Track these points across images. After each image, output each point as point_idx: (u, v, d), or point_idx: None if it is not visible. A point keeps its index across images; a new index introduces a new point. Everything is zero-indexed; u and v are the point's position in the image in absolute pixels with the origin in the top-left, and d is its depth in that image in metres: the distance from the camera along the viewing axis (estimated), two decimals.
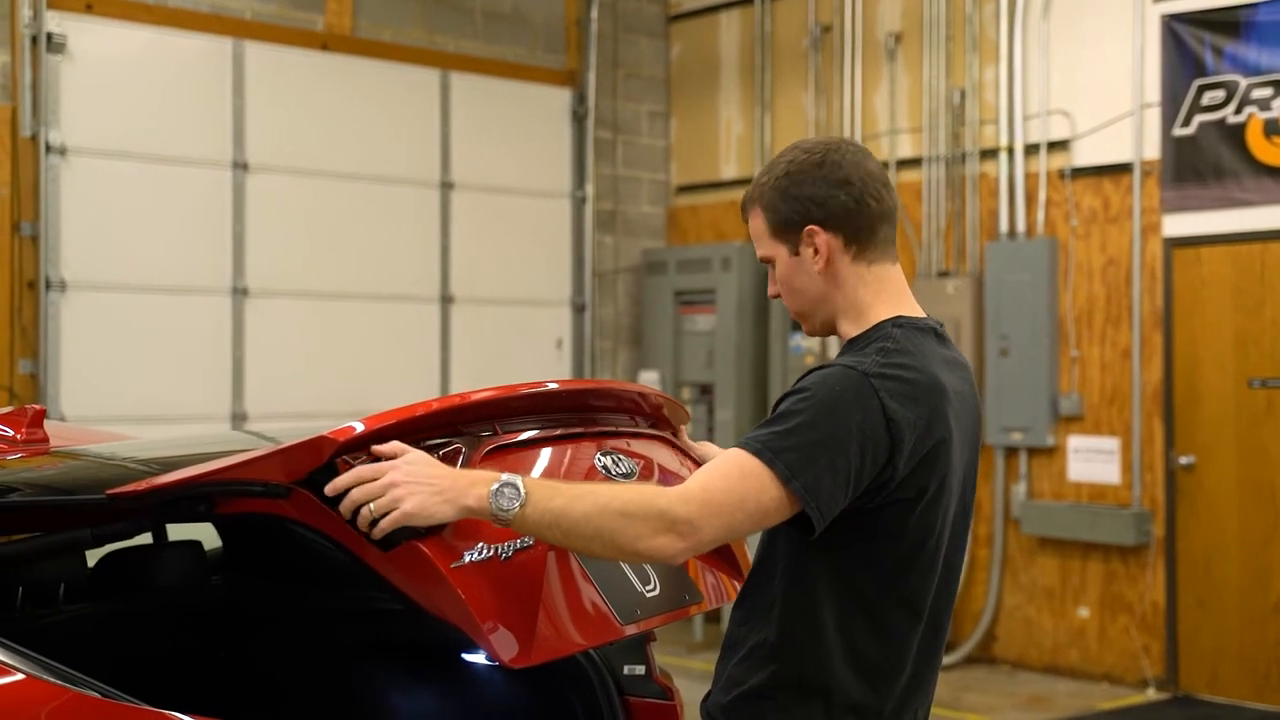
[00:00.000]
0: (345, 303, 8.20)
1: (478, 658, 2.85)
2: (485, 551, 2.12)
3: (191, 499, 2.22)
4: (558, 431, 2.43)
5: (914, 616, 2.22)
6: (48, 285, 7.17)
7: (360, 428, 2.12)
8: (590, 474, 2.37)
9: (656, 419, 2.70)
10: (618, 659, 2.75)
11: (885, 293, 2.27)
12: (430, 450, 2.18)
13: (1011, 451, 7.89)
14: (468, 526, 2.13)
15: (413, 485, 2.03)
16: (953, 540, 2.27)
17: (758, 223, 2.28)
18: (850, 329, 2.27)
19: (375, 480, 2.04)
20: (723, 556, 2.68)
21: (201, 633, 3.20)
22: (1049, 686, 7.49)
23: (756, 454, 2.06)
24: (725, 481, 2.05)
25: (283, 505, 2.15)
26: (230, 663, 3.18)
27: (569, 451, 2.39)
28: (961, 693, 7.29)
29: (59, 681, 2.02)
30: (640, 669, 2.76)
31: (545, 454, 2.36)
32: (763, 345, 8.92)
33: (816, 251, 2.23)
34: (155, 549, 3.11)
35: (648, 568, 2.42)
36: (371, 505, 2.03)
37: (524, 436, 2.36)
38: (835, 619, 2.17)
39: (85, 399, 7.23)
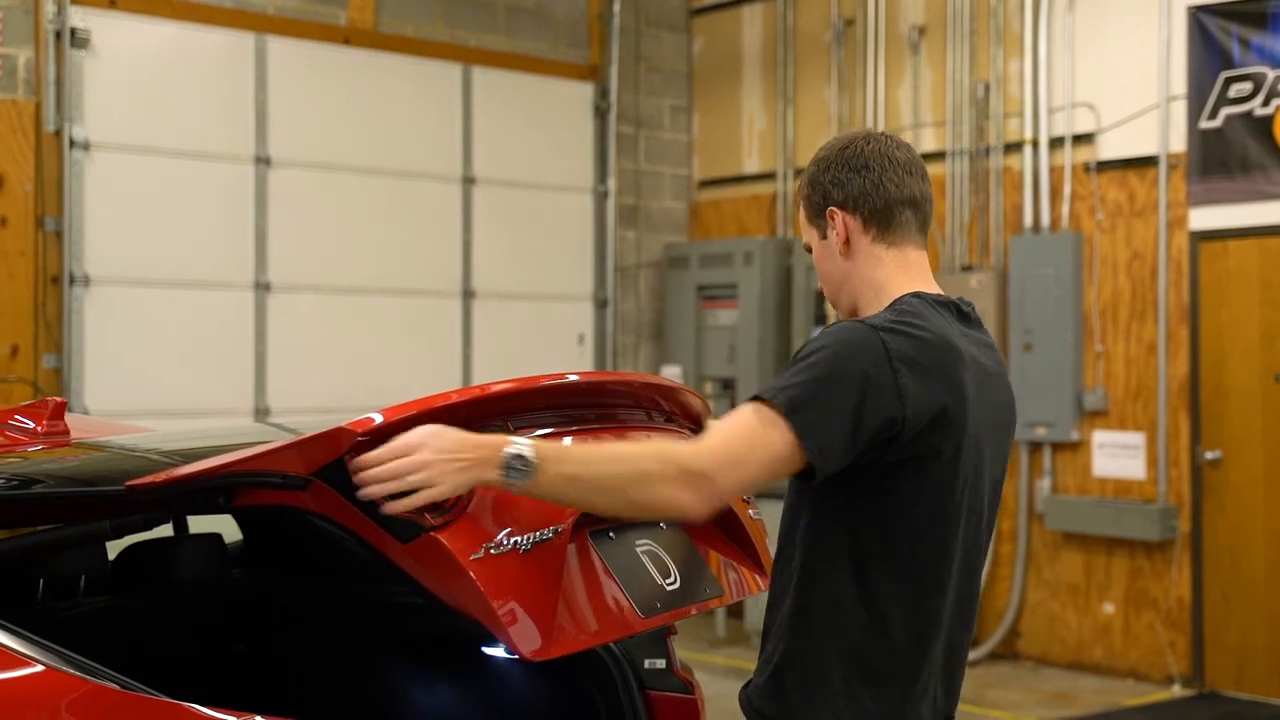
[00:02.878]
0: (367, 297, 8.21)
1: (497, 651, 2.85)
2: (505, 544, 2.11)
3: (211, 491, 2.22)
4: (579, 424, 2.42)
5: (936, 587, 2.21)
6: (71, 280, 7.20)
7: (379, 419, 2.11)
8: None
9: (676, 412, 2.68)
10: (638, 652, 2.74)
11: (903, 273, 2.31)
12: None
13: (1035, 446, 7.85)
14: (487, 519, 2.12)
15: (444, 463, 2.04)
16: (977, 516, 2.27)
17: (800, 213, 2.40)
18: (873, 308, 2.30)
19: (408, 457, 2.05)
20: (744, 550, 2.67)
21: (221, 625, 3.20)
22: (1073, 683, 7.45)
23: (763, 401, 2.11)
24: (734, 431, 2.10)
25: (302, 497, 2.15)
26: (249, 655, 3.18)
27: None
28: (985, 689, 7.26)
29: (79, 673, 2.02)
30: (661, 663, 2.75)
31: (566, 444, 2.35)
32: (785, 340, 8.90)
33: (838, 232, 2.32)
34: (175, 541, 3.12)
35: (668, 561, 2.41)
36: (410, 478, 2.04)
37: (545, 428, 2.35)
38: (854, 586, 2.17)
39: (109, 393, 7.26)
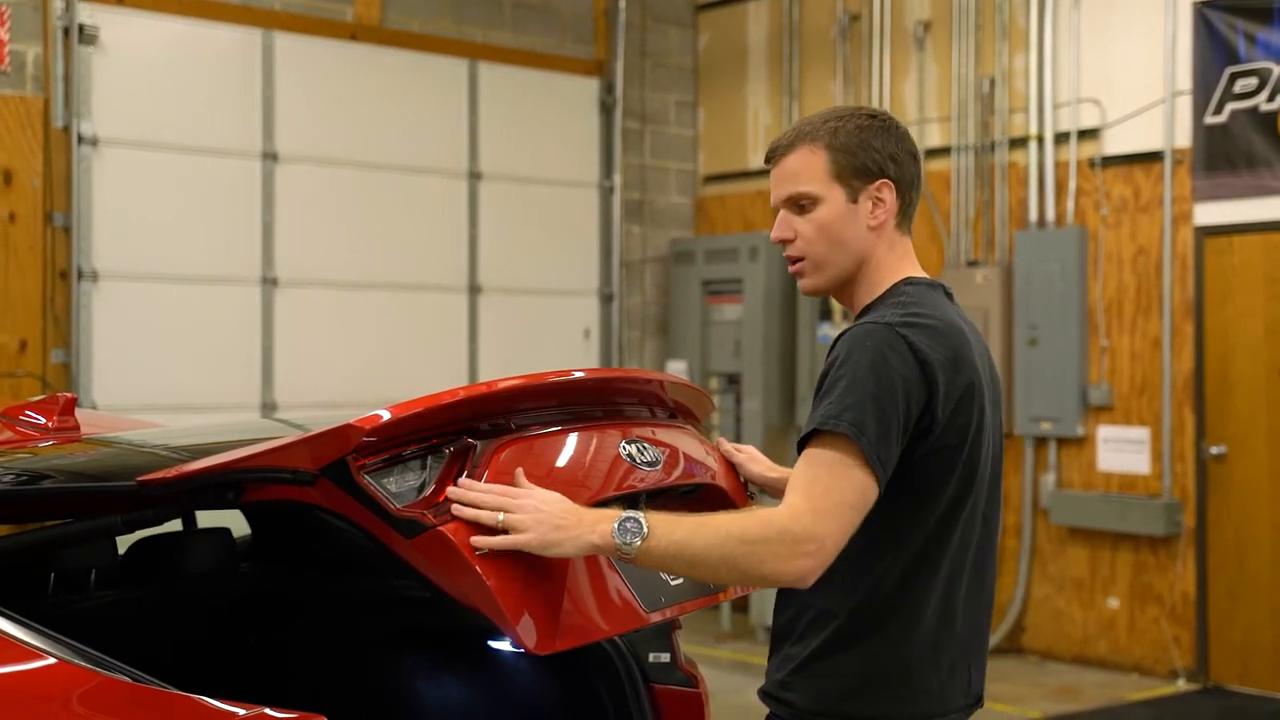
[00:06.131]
0: (374, 293, 8.23)
1: (504, 645, 2.87)
2: None
3: (220, 486, 2.24)
4: (585, 421, 2.44)
5: (966, 567, 2.26)
6: (80, 275, 7.22)
7: (387, 415, 2.13)
8: (616, 462, 2.38)
9: (680, 409, 2.70)
10: (643, 646, 2.76)
11: (906, 259, 2.33)
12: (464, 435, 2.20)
13: (1041, 441, 7.86)
14: None
15: (540, 516, 2.08)
16: (991, 490, 2.31)
17: (814, 159, 2.27)
18: (866, 290, 2.31)
19: (512, 500, 2.09)
20: None
21: (230, 619, 3.23)
22: (1078, 677, 7.47)
23: (826, 437, 2.09)
24: (819, 485, 2.08)
25: (310, 492, 2.16)
26: (258, 649, 3.21)
27: (595, 439, 2.40)
28: (990, 683, 7.22)
29: (90, 666, 2.04)
30: (665, 656, 2.77)
31: (571, 440, 2.37)
32: (790, 335, 8.91)
33: (878, 205, 2.27)
34: (185, 536, 3.14)
35: None
36: (501, 517, 2.08)
37: (551, 423, 2.37)
38: (895, 581, 2.20)
39: (117, 388, 7.29)
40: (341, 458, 2.10)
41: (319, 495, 2.16)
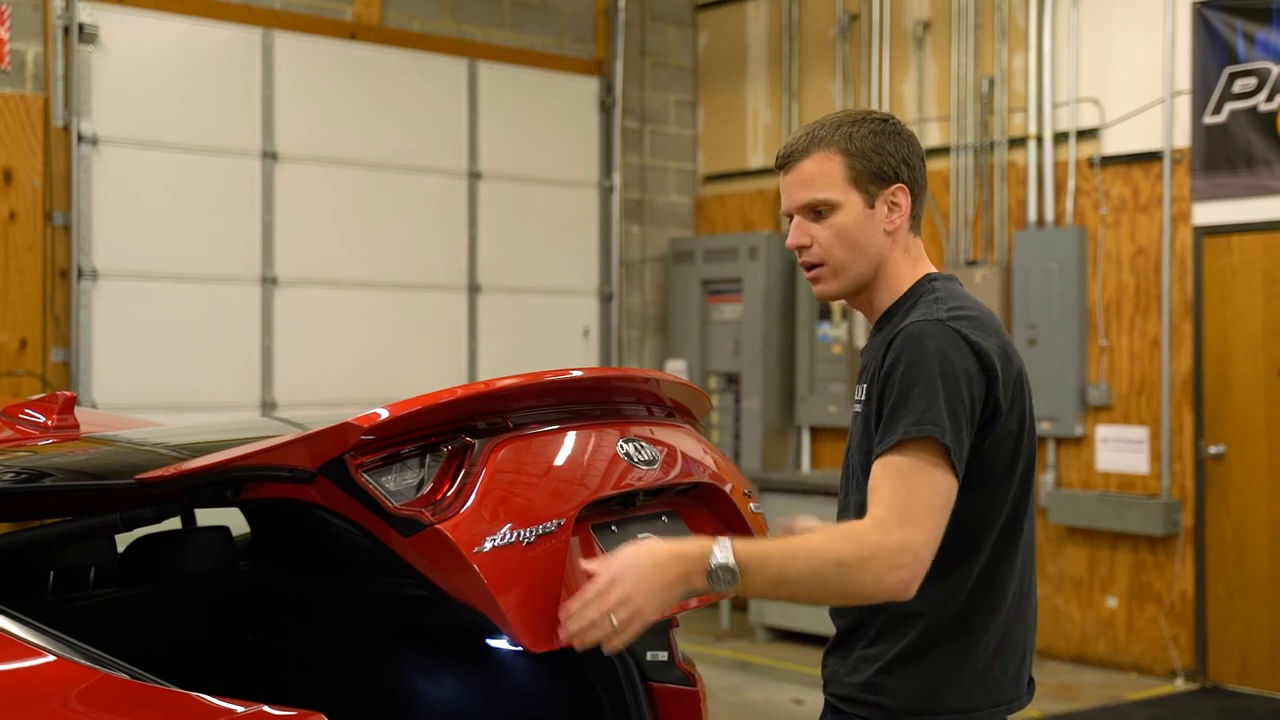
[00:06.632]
0: (373, 292, 8.24)
1: (501, 643, 2.88)
2: (507, 537, 2.14)
3: (219, 484, 2.25)
4: (582, 418, 2.45)
5: (1030, 546, 2.29)
6: (80, 274, 7.23)
7: (384, 414, 2.14)
8: (613, 460, 2.39)
9: (678, 408, 2.71)
10: (640, 645, 2.77)
11: (921, 260, 2.36)
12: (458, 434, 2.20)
13: (1039, 441, 7.86)
14: (489, 512, 2.15)
15: (644, 590, 2.04)
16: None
17: (830, 165, 2.27)
18: (887, 293, 2.32)
19: (609, 597, 2.05)
20: None
21: (229, 617, 3.24)
22: (1076, 676, 7.48)
23: (907, 444, 2.10)
24: (899, 494, 2.09)
25: (308, 491, 2.17)
26: (257, 647, 3.22)
27: (592, 438, 2.41)
28: None
29: (89, 663, 2.04)
30: (663, 655, 2.77)
31: (569, 439, 2.38)
32: (789, 335, 8.92)
33: (893, 210, 2.29)
34: (184, 534, 3.15)
35: None
36: (614, 618, 2.04)
37: (549, 422, 2.38)
38: (977, 573, 2.22)
39: (117, 387, 7.30)
40: (339, 456, 2.11)
41: (317, 493, 2.17)
